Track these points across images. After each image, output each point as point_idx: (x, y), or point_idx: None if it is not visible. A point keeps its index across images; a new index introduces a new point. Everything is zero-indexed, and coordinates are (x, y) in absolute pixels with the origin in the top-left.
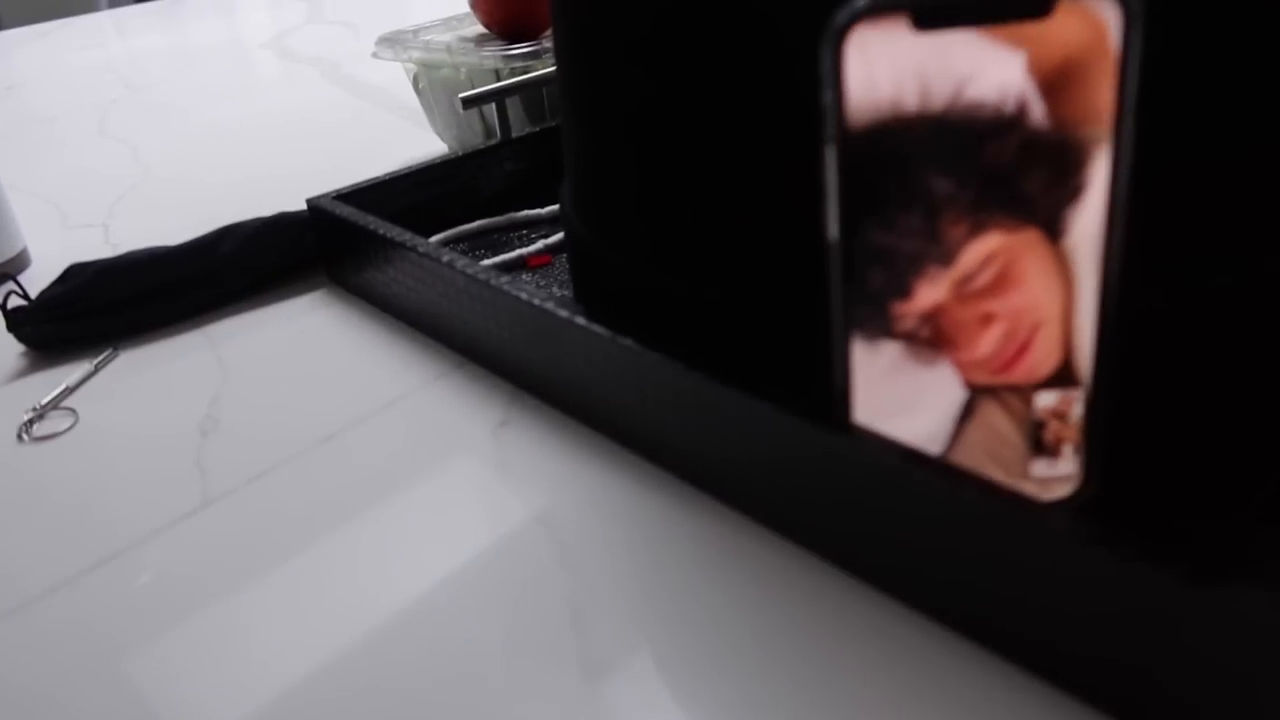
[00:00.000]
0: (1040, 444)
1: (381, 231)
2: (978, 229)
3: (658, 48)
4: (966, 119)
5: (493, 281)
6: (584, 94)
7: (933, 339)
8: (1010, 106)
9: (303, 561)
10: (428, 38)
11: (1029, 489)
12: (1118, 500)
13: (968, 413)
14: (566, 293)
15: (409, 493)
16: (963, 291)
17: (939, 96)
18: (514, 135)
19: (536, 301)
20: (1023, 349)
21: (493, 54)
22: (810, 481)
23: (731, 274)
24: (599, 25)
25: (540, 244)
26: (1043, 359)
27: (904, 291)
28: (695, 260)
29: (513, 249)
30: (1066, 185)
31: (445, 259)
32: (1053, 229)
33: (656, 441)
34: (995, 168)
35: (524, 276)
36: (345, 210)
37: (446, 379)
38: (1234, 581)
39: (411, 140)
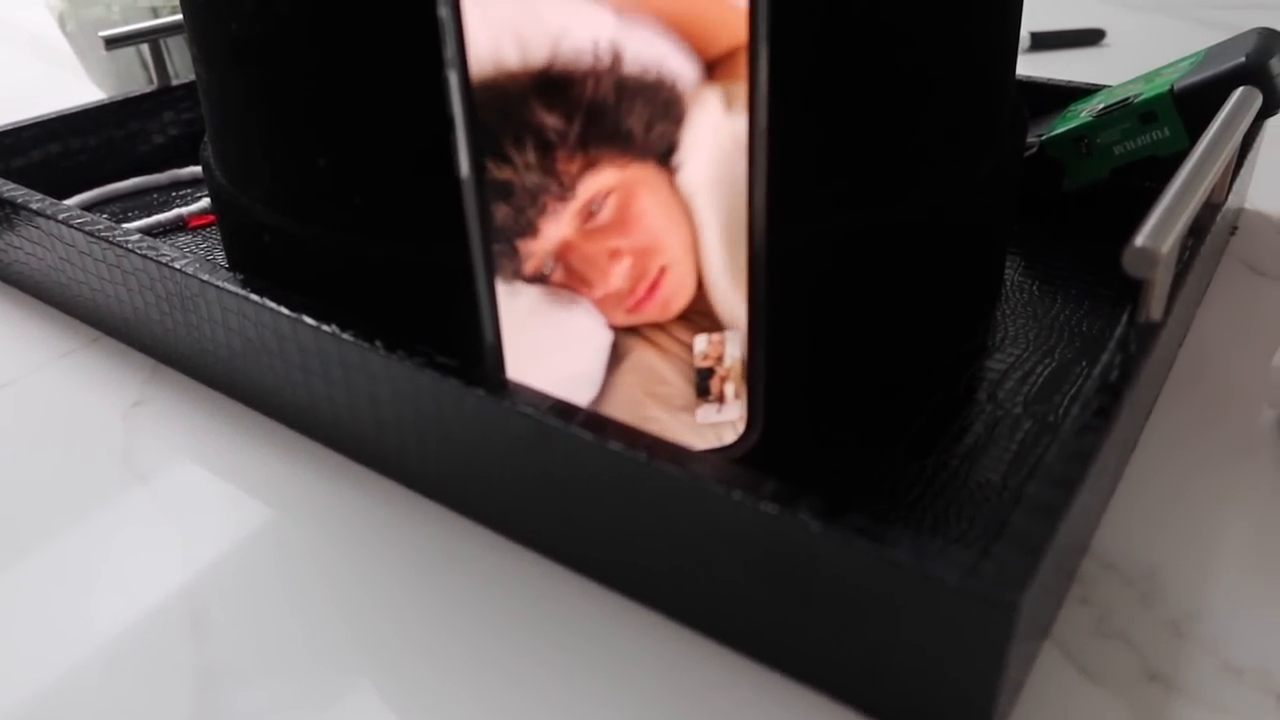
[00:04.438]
0: (706, 390)
1: None
2: (591, 164)
3: None
4: (566, 67)
5: (115, 239)
6: (197, 21)
7: (565, 278)
8: (603, 53)
9: None
10: None
11: (700, 436)
12: (782, 441)
13: (619, 354)
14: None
15: (10, 492)
16: (586, 227)
17: (538, 50)
18: (177, 83)
19: (164, 261)
20: (653, 286)
21: None
22: (463, 444)
23: (373, 221)
24: None
25: (206, 201)
26: (674, 295)
27: (533, 229)
28: (331, 207)
29: (173, 209)
30: (666, 124)
31: (61, 217)
32: (665, 165)
33: (303, 410)
34: (596, 107)
35: (185, 238)
36: None
37: (75, 356)
38: (857, 517)
39: (71, 93)
